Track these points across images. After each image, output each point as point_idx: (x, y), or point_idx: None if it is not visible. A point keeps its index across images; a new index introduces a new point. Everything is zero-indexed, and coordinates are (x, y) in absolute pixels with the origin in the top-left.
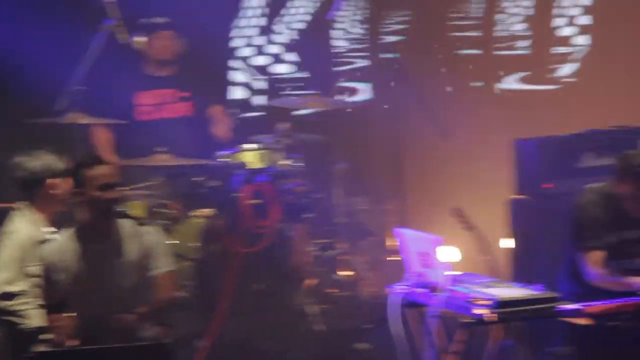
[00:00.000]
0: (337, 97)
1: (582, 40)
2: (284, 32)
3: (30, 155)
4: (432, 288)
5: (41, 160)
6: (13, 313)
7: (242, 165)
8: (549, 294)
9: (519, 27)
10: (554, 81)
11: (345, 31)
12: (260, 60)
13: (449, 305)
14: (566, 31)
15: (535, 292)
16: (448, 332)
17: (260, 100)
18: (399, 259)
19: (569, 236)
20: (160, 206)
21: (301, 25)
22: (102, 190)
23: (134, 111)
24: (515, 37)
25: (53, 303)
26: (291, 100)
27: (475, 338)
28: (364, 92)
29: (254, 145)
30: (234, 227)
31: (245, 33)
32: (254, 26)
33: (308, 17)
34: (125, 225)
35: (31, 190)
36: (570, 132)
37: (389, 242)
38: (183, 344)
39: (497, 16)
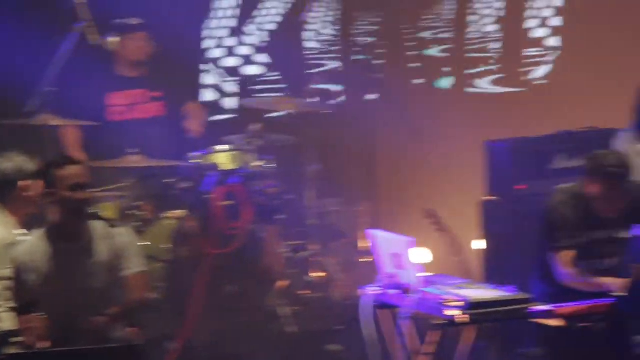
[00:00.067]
0: (309, 99)
1: (555, 41)
2: (256, 33)
3: (1, 157)
4: (404, 289)
5: (13, 162)
6: None
7: (214, 166)
8: (520, 296)
9: (491, 29)
10: (526, 82)
11: (317, 32)
12: (232, 62)
13: (421, 307)
14: (539, 32)
15: (507, 294)
16: (420, 333)
17: (231, 101)
18: (371, 260)
19: (540, 237)
20: (132, 208)
21: (272, 27)
22: (73, 191)
23: (105, 112)
24: (487, 39)
25: (23, 304)
26: (263, 102)
27: (447, 339)
28: (336, 93)
29: (226, 147)
30: (206, 229)
31: (216, 34)
32: (225, 27)
33: (279, 19)
34: (97, 227)
35: (2, 192)
36: (542, 133)
37: (361, 244)
38: (154, 345)
39: (469, 18)
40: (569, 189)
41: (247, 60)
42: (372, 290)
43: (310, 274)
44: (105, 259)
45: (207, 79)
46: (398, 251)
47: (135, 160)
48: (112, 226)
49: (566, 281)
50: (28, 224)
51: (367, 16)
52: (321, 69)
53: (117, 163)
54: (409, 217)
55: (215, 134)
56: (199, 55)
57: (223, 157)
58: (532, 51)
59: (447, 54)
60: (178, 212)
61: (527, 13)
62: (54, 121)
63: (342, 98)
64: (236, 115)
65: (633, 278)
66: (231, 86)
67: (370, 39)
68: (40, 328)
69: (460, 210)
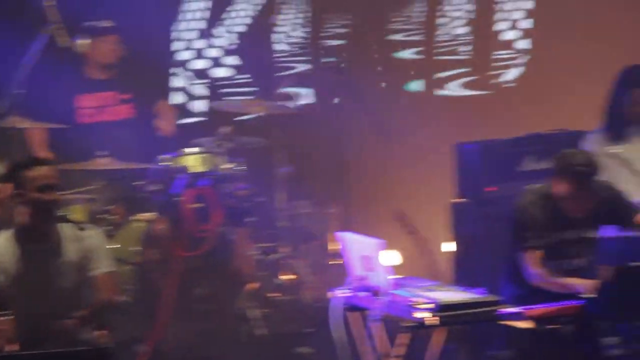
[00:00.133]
0: (279, 101)
1: (524, 44)
2: (225, 35)
3: None
4: (374, 292)
5: None
6: None
7: (183, 169)
8: (490, 298)
9: (461, 31)
10: (496, 85)
11: (287, 35)
12: (201, 64)
13: (391, 309)
14: (509, 35)
15: (476, 296)
16: (390, 336)
17: (201, 104)
18: (341, 262)
19: (510, 238)
20: (102, 212)
21: (242, 29)
22: (42, 192)
23: (75, 114)
24: (457, 41)
25: None
26: (233, 105)
27: (417, 342)
28: (306, 96)
29: (196, 149)
30: (176, 231)
31: (185, 37)
32: (194, 29)
33: (249, 21)
34: (66, 228)
35: None
36: (512, 135)
37: (331, 246)
38: (124, 348)
39: (439, 20)
40: (538, 189)
41: (217, 63)
42: (342, 293)
43: (281, 277)
44: (73, 260)
45: (177, 81)
46: (368, 253)
47: (104, 162)
48: (81, 229)
49: (535, 281)
50: None
51: (336, 19)
52: (291, 71)
53: (86, 165)
54: (379, 219)
55: (185, 136)
56: (169, 58)
57: (193, 160)
58: (502, 54)
59: (417, 57)
60: (148, 215)
61: (497, 15)
62: (23, 123)
63: (312, 100)
64: (206, 118)
65: (601, 280)
66: (201, 89)
67: (339, 42)
68: (8, 330)
69: (430, 212)
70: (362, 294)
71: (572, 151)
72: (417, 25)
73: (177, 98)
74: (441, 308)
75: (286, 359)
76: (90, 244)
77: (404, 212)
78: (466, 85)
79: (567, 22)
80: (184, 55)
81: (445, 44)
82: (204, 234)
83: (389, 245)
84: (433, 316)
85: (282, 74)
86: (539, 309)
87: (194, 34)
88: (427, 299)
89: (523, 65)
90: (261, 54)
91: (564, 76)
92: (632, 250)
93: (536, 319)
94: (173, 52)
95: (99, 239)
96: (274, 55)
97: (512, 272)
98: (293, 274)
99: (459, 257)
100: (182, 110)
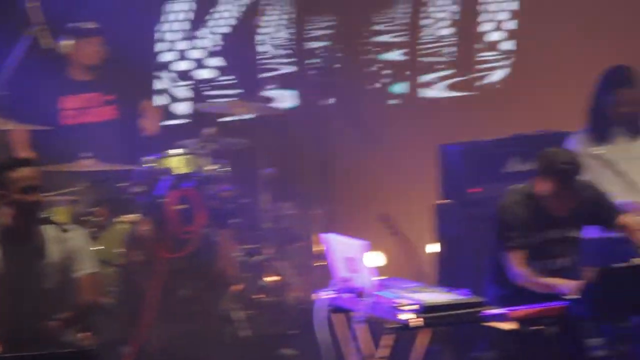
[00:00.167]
0: (264, 103)
1: (509, 45)
2: (209, 37)
3: None
4: (359, 293)
5: None
6: None
7: (167, 170)
8: (474, 299)
9: (445, 32)
10: (480, 86)
11: (271, 36)
12: (184, 66)
13: (375, 311)
14: (494, 36)
15: (460, 297)
16: (374, 337)
17: (185, 105)
18: (326, 264)
19: (494, 238)
20: (86, 214)
21: (226, 30)
22: (25, 193)
23: (58, 116)
24: (441, 43)
25: None
26: (217, 106)
27: (402, 343)
28: (290, 97)
29: (180, 151)
30: (160, 233)
31: (168, 38)
32: (177, 31)
33: (233, 22)
34: (49, 230)
35: None
36: (496, 137)
37: (315, 248)
38: (108, 350)
39: (423, 21)
40: (521, 189)
41: (200, 64)
42: (326, 294)
43: (265, 278)
44: (57, 261)
45: (160, 83)
46: (352, 255)
47: (88, 164)
48: (65, 230)
49: (520, 281)
50: None
51: (320, 20)
52: (275, 72)
53: (70, 167)
54: (363, 220)
55: (169, 138)
56: (152, 59)
57: (177, 161)
58: (486, 55)
59: (402, 58)
60: (132, 216)
61: (482, 16)
62: (6, 125)
63: (297, 102)
64: (190, 120)
65: (585, 281)
66: (184, 90)
67: (324, 43)
68: None
69: (415, 213)
70: (347, 295)
71: (555, 150)
72: (401, 27)
73: (160, 100)
74: (425, 309)
75: None
76: (73, 245)
77: (388, 213)
78: (451, 87)
79: (551, 23)
80: (168, 56)
81: (430, 45)
82: (188, 236)
83: (373, 247)
84: (417, 317)
85: (267, 75)
86: (523, 310)
87: (177, 36)
88: (412, 301)
89: (507, 66)
90: (245, 56)
91: (548, 77)
92: (615, 251)
93: (520, 320)
94: (157, 54)
95: (83, 240)
96: (258, 56)
97: (496, 272)
98: (277, 275)
99: (443, 258)
100: (166, 112)
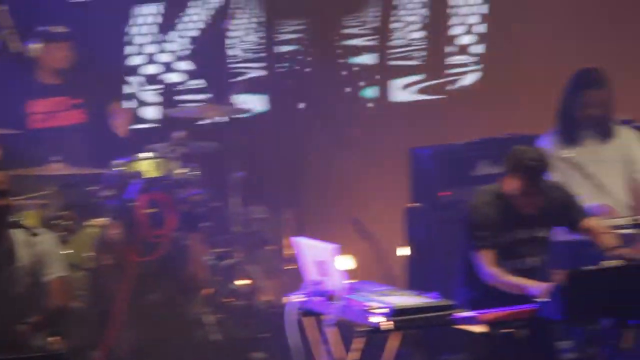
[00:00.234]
0: (233, 106)
1: (479, 48)
2: (177, 40)
3: None
4: (329, 296)
5: None
6: None
7: (137, 174)
8: (444, 302)
9: (416, 36)
10: (450, 90)
11: (240, 39)
12: (153, 70)
13: (346, 314)
14: (464, 40)
15: (431, 300)
16: (345, 340)
17: (154, 109)
18: (296, 267)
19: (464, 240)
20: (56, 218)
21: (195, 34)
22: None
23: (27, 120)
24: (412, 47)
25: None
26: (187, 111)
27: (372, 346)
28: (260, 101)
29: (150, 154)
30: (130, 236)
31: (136, 41)
32: (146, 34)
33: (202, 25)
34: (18, 234)
35: None
36: (466, 140)
37: (286, 251)
38: (77, 354)
39: (394, 25)
40: (490, 189)
41: (169, 68)
42: (297, 298)
43: (235, 282)
44: (26, 265)
45: (129, 87)
46: (323, 258)
47: (57, 168)
48: (34, 234)
49: (490, 281)
50: None
51: (290, 24)
52: (245, 76)
53: (39, 171)
54: (333, 224)
55: (139, 141)
56: (121, 63)
57: (147, 165)
58: (457, 59)
59: (372, 62)
60: (101, 220)
61: (452, 20)
62: None
63: (267, 106)
64: (159, 125)
65: (554, 283)
66: (153, 94)
67: (294, 47)
68: None
69: (385, 217)
70: (317, 298)
71: (523, 148)
72: (371, 30)
73: (129, 104)
74: (395, 312)
75: None
76: (43, 249)
77: (359, 217)
78: (421, 91)
79: (521, 26)
80: (136, 60)
81: (401, 48)
82: (158, 239)
83: (344, 250)
84: (388, 321)
85: (237, 79)
86: (493, 313)
87: (146, 39)
88: (382, 304)
89: (477, 70)
90: (214, 59)
91: (519, 80)
92: (584, 254)
93: (490, 323)
94: (125, 57)
95: (52, 244)
96: (228, 60)
97: (466, 275)
98: (248, 279)
99: (413, 262)
100: (135, 116)
